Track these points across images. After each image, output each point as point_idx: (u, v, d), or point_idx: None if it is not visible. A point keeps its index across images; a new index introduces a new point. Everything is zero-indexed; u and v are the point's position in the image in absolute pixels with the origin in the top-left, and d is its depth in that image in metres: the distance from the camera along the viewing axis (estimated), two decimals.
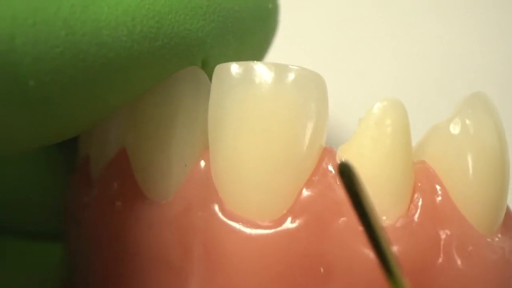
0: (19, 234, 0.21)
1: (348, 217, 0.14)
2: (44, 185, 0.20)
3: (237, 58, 0.15)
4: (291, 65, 0.14)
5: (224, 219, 0.14)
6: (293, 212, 0.14)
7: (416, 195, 0.14)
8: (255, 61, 0.14)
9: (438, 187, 0.14)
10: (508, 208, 0.15)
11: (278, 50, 0.19)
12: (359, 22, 0.28)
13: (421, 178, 0.14)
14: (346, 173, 0.11)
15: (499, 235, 0.14)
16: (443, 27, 0.28)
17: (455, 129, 0.14)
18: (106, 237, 0.16)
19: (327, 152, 0.14)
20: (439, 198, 0.14)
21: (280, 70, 0.14)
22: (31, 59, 0.11)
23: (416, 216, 0.14)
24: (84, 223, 0.17)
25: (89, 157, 0.17)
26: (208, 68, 0.15)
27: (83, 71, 0.12)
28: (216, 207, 0.14)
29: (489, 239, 0.14)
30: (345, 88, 0.26)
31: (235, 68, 0.14)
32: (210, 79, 0.15)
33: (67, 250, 0.18)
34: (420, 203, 0.14)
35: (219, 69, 0.14)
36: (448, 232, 0.14)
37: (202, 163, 0.15)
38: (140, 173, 0.15)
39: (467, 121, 0.14)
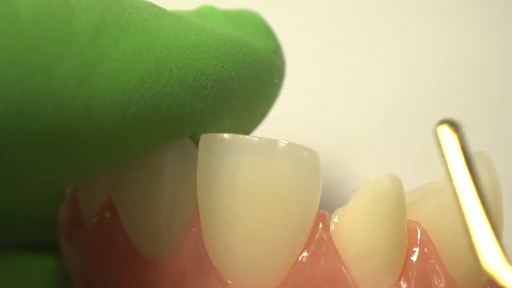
0: (13, 247, 0.21)
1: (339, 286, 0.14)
2: (37, 196, 0.19)
3: (230, 129, 0.14)
4: (282, 140, 0.13)
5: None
6: (287, 284, 0.14)
7: (408, 261, 0.14)
8: (244, 135, 0.13)
9: (430, 250, 0.14)
10: None
11: None
12: (358, 24, 0.27)
13: (414, 242, 0.14)
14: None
15: None
16: (443, 30, 0.26)
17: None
18: (99, 280, 0.16)
19: (321, 218, 0.14)
20: (431, 261, 0.14)
21: (270, 145, 0.13)
22: (10, 132, 0.10)
23: (408, 285, 0.14)
24: (78, 247, 0.17)
25: (77, 192, 0.17)
26: (195, 137, 0.14)
27: (66, 147, 0.11)
28: (212, 276, 0.14)
29: None
30: (343, 92, 0.25)
31: (223, 139, 0.14)
32: (197, 145, 0.14)
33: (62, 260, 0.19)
34: (411, 271, 0.14)
35: (206, 139, 0.14)
36: None
37: (195, 231, 0.15)
38: (132, 232, 0.15)
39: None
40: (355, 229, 0.14)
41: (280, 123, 0.20)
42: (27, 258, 0.20)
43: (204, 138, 0.14)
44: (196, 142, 0.14)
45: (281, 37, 0.17)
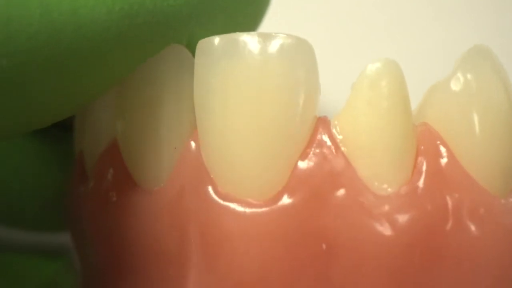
0: (16, 250, 0.20)
1: (347, 188, 0.13)
2: (45, 181, 0.19)
3: (225, 33, 0.14)
4: (276, 33, 0.13)
5: (219, 200, 0.13)
6: (288, 189, 0.13)
7: (419, 159, 0.13)
8: (238, 33, 0.13)
9: (442, 149, 0.13)
10: None
11: None
12: (357, 21, 0.27)
13: (423, 141, 0.13)
14: None
15: None
16: (442, 28, 0.27)
17: (456, 85, 0.13)
18: (103, 229, 0.15)
19: (321, 122, 0.14)
20: (445, 160, 0.13)
21: (265, 39, 0.13)
22: (3, 37, 0.11)
23: (421, 182, 0.13)
24: (83, 217, 0.16)
25: (83, 152, 0.17)
26: (193, 46, 0.14)
27: (59, 52, 0.11)
28: (210, 189, 0.14)
29: (503, 200, 0.13)
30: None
31: (217, 41, 0.13)
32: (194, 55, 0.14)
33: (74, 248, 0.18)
34: (424, 168, 0.13)
35: (201, 44, 0.14)
36: (457, 196, 0.13)
37: (192, 145, 0.14)
38: (131, 162, 0.15)
39: (469, 76, 0.13)
40: (356, 122, 0.13)
41: None
42: (27, 260, 0.20)
43: (200, 44, 0.14)
44: (193, 52, 0.14)
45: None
